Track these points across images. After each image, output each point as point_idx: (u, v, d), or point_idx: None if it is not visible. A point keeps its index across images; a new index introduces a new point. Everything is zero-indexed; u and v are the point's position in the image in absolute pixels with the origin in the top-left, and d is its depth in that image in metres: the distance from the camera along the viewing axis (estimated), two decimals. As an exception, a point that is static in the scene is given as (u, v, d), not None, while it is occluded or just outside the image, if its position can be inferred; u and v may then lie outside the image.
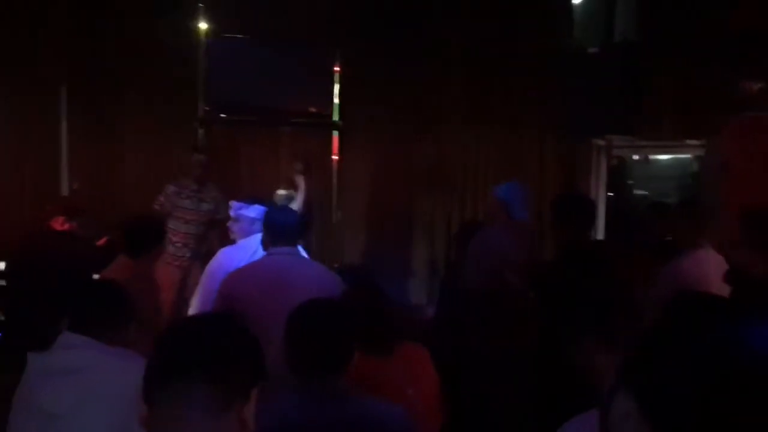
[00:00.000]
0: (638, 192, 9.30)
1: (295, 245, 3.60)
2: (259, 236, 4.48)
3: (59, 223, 4.19)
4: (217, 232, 5.81)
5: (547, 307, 3.09)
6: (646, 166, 8.57)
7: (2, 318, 4.69)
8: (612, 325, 1.89)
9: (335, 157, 7.53)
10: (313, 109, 7.47)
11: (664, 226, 3.85)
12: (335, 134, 7.55)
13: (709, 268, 3.69)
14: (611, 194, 6.52)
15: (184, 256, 5.76)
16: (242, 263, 4.34)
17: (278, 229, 3.55)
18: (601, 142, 6.23)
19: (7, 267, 4.51)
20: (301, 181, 6.31)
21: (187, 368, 1.34)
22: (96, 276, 3.84)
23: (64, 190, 6.52)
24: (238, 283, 3.43)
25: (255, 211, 4.62)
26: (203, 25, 7.10)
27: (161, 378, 1.36)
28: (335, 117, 7.43)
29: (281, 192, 6.35)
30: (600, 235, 6.09)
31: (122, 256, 3.69)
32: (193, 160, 6.09)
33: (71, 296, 2.32)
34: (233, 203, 4.60)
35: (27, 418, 2.09)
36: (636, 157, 6.99)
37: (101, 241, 4.57)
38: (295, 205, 6.07)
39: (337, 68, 7.42)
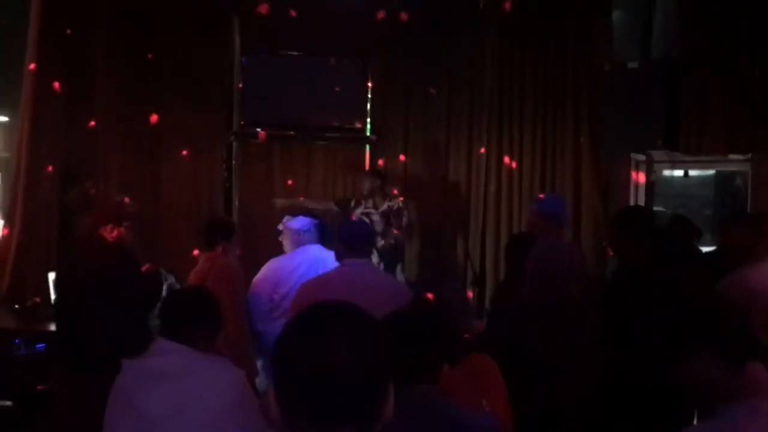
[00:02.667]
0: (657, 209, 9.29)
1: (367, 257, 3.63)
2: (306, 248, 4.54)
3: (108, 231, 4.18)
4: None
5: (620, 323, 3.06)
6: (669, 183, 8.54)
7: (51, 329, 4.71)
8: (733, 341, 1.85)
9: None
10: (346, 124, 7.54)
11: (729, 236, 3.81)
12: (368, 148, 7.61)
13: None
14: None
15: None
16: (285, 274, 4.39)
17: (350, 241, 3.59)
18: (641, 157, 6.20)
19: (57, 279, 4.52)
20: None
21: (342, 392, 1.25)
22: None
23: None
24: (310, 293, 3.47)
25: (300, 222, 4.66)
26: (238, 42, 7.19)
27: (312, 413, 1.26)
28: (368, 131, 7.50)
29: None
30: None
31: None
32: None
33: (162, 303, 2.33)
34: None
35: (126, 423, 2.09)
36: (666, 172, 6.97)
37: (145, 268, 4.55)
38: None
39: (369, 83, 7.50)
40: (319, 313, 1.36)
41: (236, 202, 7.29)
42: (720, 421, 1.83)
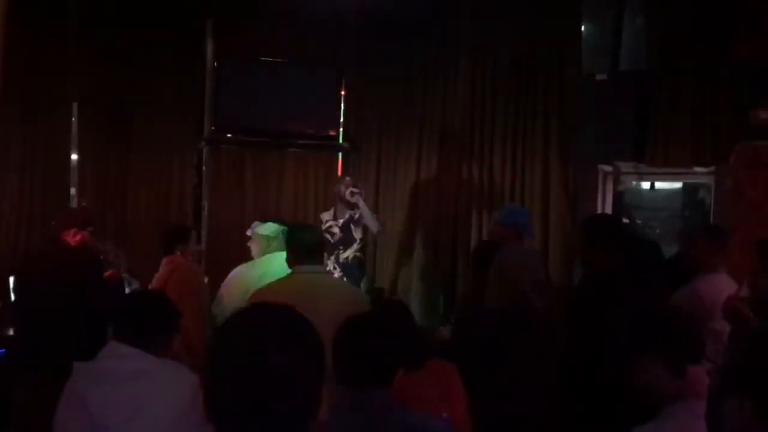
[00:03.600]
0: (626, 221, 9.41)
1: (320, 263, 3.60)
2: (273, 255, 4.52)
3: (71, 236, 4.16)
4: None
5: (582, 328, 3.11)
6: (638, 196, 8.67)
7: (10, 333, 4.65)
8: (678, 346, 1.93)
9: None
10: (319, 131, 7.55)
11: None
12: (340, 156, 7.62)
13: (722, 291, 3.72)
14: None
15: None
16: (254, 280, 4.35)
17: (302, 247, 3.55)
18: (608, 168, 6.28)
19: (18, 282, 4.46)
20: (360, 202, 6.09)
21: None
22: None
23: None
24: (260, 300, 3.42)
25: (268, 229, 4.64)
26: (211, 47, 7.18)
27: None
28: (341, 139, 7.52)
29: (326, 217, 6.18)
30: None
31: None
32: None
33: (117, 306, 2.31)
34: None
35: (77, 428, 2.07)
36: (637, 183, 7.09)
37: (108, 274, 4.53)
38: (374, 225, 6.10)
39: (343, 91, 7.53)
40: (251, 318, 1.36)
41: (206, 209, 7.26)
42: (663, 421, 1.90)
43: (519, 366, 2.97)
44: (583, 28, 6.48)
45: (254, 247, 4.56)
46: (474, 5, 6.84)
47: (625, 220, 8.48)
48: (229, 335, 1.33)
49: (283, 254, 4.47)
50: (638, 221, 8.89)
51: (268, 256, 4.48)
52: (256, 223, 4.64)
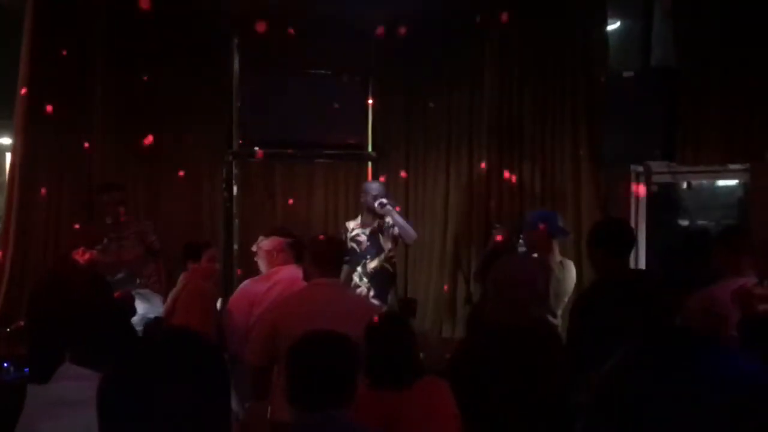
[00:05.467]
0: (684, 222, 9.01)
1: (336, 276, 3.56)
2: (280, 269, 4.45)
3: (80, 254, 4.22)
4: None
5: (579, 341, 2.95)
6: (695, 195, 8.29)
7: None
8: None
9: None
10: (347, 141, 7.49)
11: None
12: (369, 165, 7.55)
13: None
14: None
15: None
16: (259, 295, 4.31)
17: (320, 260, 3.51)
18: (640, 169, 6.03)
19: (29, 300, 4.52)
20: (394, 214, 5.80)
21: None
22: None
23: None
24: (280, 316, 3.42)
25: (272, 243, 4.57)
26: (237, 60, 7.20)
27: None
28: (369, 148, 7.44)
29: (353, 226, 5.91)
30: (641, 265, 5.87)
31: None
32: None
33: (73, 325, 2.27)
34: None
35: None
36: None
37: (117, 294, 4.53)
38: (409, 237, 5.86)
39: (370, 100, 7.46)
40: (144, 354, 1.28)
41: (237, 221, 7.26)
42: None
43: (508, 381, 2.82)
44: (615, 25, 6.25)
45: (261, 261, 4.51)
46: (500, 8, 6.68)
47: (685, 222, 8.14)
48: (116, 376, 1.26)
49: (290, 267, 4.45)
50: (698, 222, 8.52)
51: (274, 269, 4.42)
52: (261, 237, 4.58)
